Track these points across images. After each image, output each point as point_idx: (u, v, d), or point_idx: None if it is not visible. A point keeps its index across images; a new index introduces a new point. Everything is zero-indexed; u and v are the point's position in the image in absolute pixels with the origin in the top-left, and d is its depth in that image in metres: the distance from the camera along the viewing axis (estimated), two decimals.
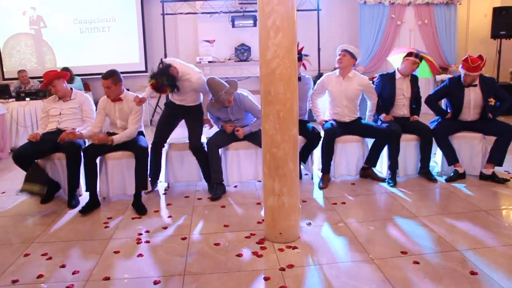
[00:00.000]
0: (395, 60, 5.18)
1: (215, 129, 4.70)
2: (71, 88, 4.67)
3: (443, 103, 5.08)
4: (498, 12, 8.20)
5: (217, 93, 4.21)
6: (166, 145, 4.67)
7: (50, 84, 4.48)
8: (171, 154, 4.66)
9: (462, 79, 4.69)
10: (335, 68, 4.78)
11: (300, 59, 4.62)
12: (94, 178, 4.19)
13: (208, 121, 4.68)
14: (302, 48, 4.64)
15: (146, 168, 4.28)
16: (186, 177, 4.73)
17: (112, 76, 4.26)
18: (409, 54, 4.77)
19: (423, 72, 5.11)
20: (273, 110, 3.08)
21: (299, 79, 4.68)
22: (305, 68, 4.79)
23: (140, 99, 4.39)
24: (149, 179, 4.53)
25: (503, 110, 4.79)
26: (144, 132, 4.64)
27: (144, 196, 4.34)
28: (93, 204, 4.18)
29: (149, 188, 4.51)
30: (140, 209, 4.08)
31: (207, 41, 8.44)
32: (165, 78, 4.07)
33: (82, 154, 4.21)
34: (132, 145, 4.28)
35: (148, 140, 4.50)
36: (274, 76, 3.03)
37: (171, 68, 4.15)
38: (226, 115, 4.52)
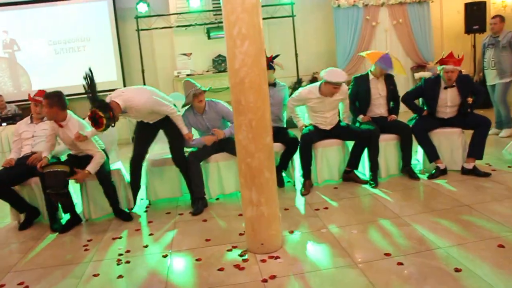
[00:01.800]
0: (369, 54, 5.15)
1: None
2: None
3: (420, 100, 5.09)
4: (470, 8, 8.28)
5: (187, 91, 4.28)
6: (145, 162, 4.59)
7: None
8: (151, 170, 4.60)
9: (445, 78, 4.64)
10: (313, 77, 4.75)
11: (270, 67, 4.61)
12: (69, 199, 4.14)
13: (189, 136, 4.47)
14: (271, 57, 4.62)
15: (112, 189, 4.23)
16: (167, 193, 4.67)
17: (48, 98, 3.98)
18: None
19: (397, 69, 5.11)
20: (245, 119, 3.03)
21: (274, 85, 4.66)
22: (282, 68, 4.78)
23: (78, 136, 4.03)
24: (131, 197, 4.52)
25: (478, 103, 4.81)
26: (107, 152, 4.50)
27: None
28: (74, 221, 4.15)
29: (131, 205, 4.48)
30: (124, 216, 4.19)
31: (184, 54, 8.39)
32: (102, 110, 3.79)
33: None
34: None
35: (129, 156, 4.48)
36: (243, 85, 2.99)
37: (111, 102, 3.97)
38: (203, 123, 4.47)
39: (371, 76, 4.80)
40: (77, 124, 4.13)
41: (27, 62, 8.51)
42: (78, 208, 4.45)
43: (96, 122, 3.80)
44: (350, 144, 4.75)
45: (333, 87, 4.45)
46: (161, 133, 4.49)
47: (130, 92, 4.18)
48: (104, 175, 4.18)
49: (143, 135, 4.49)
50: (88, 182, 4.28)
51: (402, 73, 4.92)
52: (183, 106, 4.48)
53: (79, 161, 4.22)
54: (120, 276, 3.11)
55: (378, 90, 4.79)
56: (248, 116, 3.03)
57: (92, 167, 4.08)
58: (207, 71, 8.42)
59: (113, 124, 3.90)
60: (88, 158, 4.16)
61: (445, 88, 4.66)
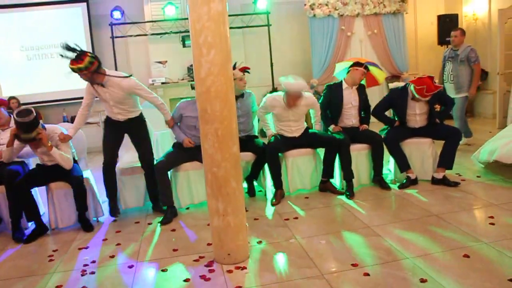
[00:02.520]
0: (341, 66, 5.21)
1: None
2: (10, 116, 4.48)
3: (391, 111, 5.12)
4: (442, 20, 8.43)
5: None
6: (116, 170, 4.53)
7: None
8: (121, 179, 4.54)
9: (412, 96, 4.67)
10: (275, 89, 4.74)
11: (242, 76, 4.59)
12: (33, 207, 4.07)
13: (171, 122, 4.47)
14: (243, 68, 4.60)
15: (84, 194, 4.16)
16: (136, 202, 4.63)
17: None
18: (357, 64, 4.79)
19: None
20: (211, 128, 3.00)
21: (242, 95, 4.61)
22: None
23: (63, 137, 4.10)
24: (108, 204, 4.49)
25: (447, 114, 4.88)
26: (77, 160, 4.49)
27: (95, 223, 4.31)
28: (39, 231, 4.08)
29: (99, 214, 4.43)
30: (86, 225, 4.15)
31: (159, 62, 8.34)
32: (92, 55, 3.98)
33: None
34: (66, 176, 4.16)
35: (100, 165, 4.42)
36: (209, 94, 2.96)
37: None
38: (192, 120, 4.38)
39: (344, 85, 4.82)
40: (51, 130, 4.12)
41: (0, 67, 8.32)
42: (45, 218, 4.36)
43: (79, 56, 3.88)
44: (322, 152, 4.74)
45: (294, 97, 4.44)
46: (128, 140, 4.45)
47: (119, 72, 4.27)
48: (78, 178, 4.13)
49: (113, 138, 4.40)
50: (54, 191, 4.19)
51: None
52: None
53: (48, 170, 4.20)
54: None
55: (350, 99, 4.81)
56: (214, 125, 3.00)
57: (57, 152, 4.02)
58: (182, 79, 8.37)
59: (85, 76, 3.95)
60: (57, 167, 4.12)
61: (413, 98, 4.70)
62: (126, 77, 4.13)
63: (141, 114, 4.43)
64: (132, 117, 4.34)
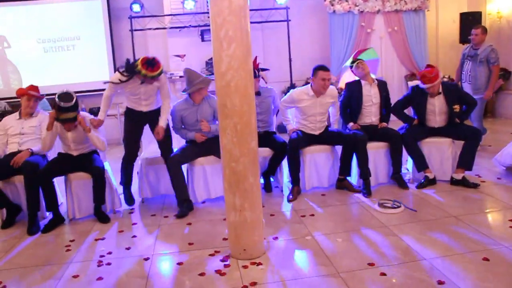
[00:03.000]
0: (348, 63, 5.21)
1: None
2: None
3: (411, 109, 5.06)
4: (465, 18, 8.27)
5: (193, 81, 4.26)
6: (139, 160, 4.61)
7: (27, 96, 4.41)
8: (146, 169, 4.60)
9: (427, 91, 4.64)
10: (306, 83, 4.73)
11: (256, 75, 4.57)
12: (53, 197, 4.12)
13: (162, 130, 4.43)
14: (258, 64, 4.59)
15: (103, 186, 4.20)
16: (162, 190, 4.70)
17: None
18: (353, 62, 4.82)
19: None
20: (230, 123, 2.99)
21: (258, 93, 4.59)
22: (266, 82, 4.75)
23: (97, 121, 4.31)
24: (122, 194, 4.57)
25: (469, 114, 4.79)
26: (98, 152, 4.53)
27: (112, 215, 4.33)
28: (56, 221, 4.13)
29: (118, 206, 4.47)
30: (102, 217, 4.18)
31: (178, 55, 8.35)
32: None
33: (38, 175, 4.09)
34: (88, 166, 4.22)
35: (119, 160, 4.46)
36: (229, 89, 2.95)
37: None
38: (193, 115, 4.40)
39: (363, 82, 4.77)
40: (83, 116, 4.25)
41: (18, 59, 8.41)
42: (63, 208, 4.41)
43: (153, 64, 4.01)
44: (340, 150, 4.71)
45: (322, 79, 4.46)
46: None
47: None
48: (99, 169, 4.18)
49: (132, 133, 4.50)
50: (73, 182, 4.23)
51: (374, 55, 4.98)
52: (184, 91, 4.42)
53: (71, 160, 4.28)
54: (100, 278, 3.06)
55: (371, 96, 4.75)
56: (233, 120, 2.99)
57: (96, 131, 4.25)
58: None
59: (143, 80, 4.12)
60: (79, 157, 4.27)
61: (431, 96, 4.64)
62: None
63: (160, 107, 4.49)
64: (155, 109, 4.43)
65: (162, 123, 4.36)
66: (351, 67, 4.91)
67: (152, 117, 4.43)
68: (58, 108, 3.95)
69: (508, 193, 4.31)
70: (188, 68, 4.39)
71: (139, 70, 4.00)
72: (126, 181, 4.61)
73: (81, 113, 4.25)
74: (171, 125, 4.56)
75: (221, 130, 3.07)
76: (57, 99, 3.94)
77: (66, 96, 3.97)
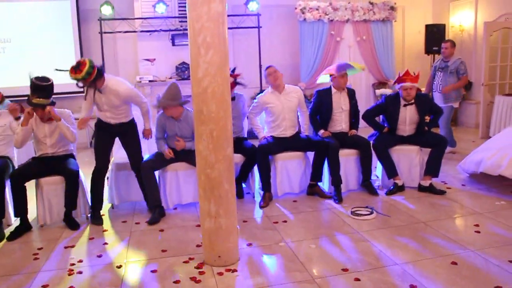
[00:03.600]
0: (323, 79, 5.26)
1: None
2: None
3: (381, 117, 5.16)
4: (430, 29, 8.53)
5: (162, 96, 4.22)
6: (110, 166, 4.53)
7: None
8: (116, 174, 4.53)
9: (402, 96, 4.76)
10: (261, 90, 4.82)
11: (237, 84, 4.65)
12: (23, 202, 3.99)
13: (149, 132, 4.49)
14: (238, 75, 4.64)
15: (76, 190, 4.12)
16: (131, 197, 4.62)
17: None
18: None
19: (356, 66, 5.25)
20: (206, 129, 2.99)
21: (233, 98, 4.62)
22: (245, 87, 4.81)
23: (81, 120, 4.21)
24: (89, 206, 4.37)
25: (436, 122, 4.95)
26: (75, 155, 4.43)
27: (81, 220, 4.25)
28: (23, 228, 3.99)
29: (89, 211, 4.37)
30: (71, 224, 4.06)
31: (148, 59, 8.25)
32: (91, 63, 3.94)
33: (6, 178, 3.99)
34: (62, 169, 4.12)
35: (88, 164, 4.32)
36: (206, 95, 2.95)
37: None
38: (173, 128, 4.37)
39: (333, 90, 4.84)
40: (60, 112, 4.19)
41: None
42: (33, 214, 4.28)
43: (78, 66, 3.88)
44: (311, 156, 4.76)
45: (269, 74, 4.69)
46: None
47: (117, 78, 4.29)
48: (74, 172, 4.10)
49: (106, 144, 4.38)
50: (44, 186, 4.12)
51: (361, 68, 5.15)
52: (158, 106, 4.33)
53: (44, 163, 4.18)
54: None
55: (340, 104, 4.82)
56: (209, 126, 2.98)
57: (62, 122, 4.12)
58: (170, 78, 8.29)
59: (82, 84, 3.99)
60: (53, 159, 4.17)
61: (405, 105, 4.76)
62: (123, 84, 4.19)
63: (132, 119, 4.44)
64: (124, 122, 4.33)
65: (147, 125, 4.42)
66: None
67: (122, 130, 4.34)
68: (33, 87, 3.90)
69: (472, 199, 4.46)
70: (174, 83, 4.28)
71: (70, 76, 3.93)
72: (95, 200, 4.31)
73: (63, 110, 4.24)
74: (140, 135, 4.49)
75: (197, 137, 3.06)
76: (33, 79, 3.92)
77: (42, 77, 3.97)
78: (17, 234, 3.94)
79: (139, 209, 4.56)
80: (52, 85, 4.01)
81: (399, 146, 4.83)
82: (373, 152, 4.74)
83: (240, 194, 4.73)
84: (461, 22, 8.79)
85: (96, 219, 4.24)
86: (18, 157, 4.63)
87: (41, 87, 3.91)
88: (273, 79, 4.68)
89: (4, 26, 8.09)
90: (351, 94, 4.91)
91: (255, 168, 4.68)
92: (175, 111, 4.27)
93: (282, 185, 4.71)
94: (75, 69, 3.88)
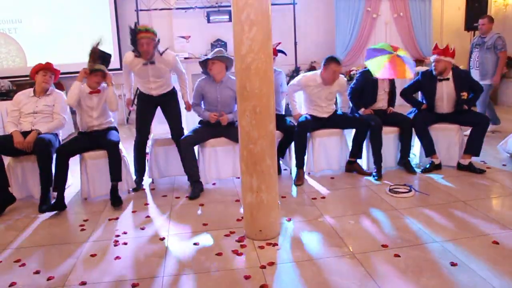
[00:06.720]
0: (373, 65, 4.68)
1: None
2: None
3: (419, 95, 5.10)
4: (470, 5, 8.28)
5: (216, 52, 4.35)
6: (149, 142, 4.66)
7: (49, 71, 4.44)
8: (156, 150, 4.64)
9: (433, 67, 4.70)
10: (311, 66, 4.76)
11: (278, 51, 4.65)
12: (63, 179, 4.09)
13: (189, 104, 4.57)
14: (279, 43, 4.63)
15: (119, 161, 4.20)
16: (171, 172, 4.72)
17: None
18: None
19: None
20: (249, 105, 3.02)
21: None
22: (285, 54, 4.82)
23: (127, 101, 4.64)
24: (134, 177, 4.56)
25: (476, 100, 4.86)
26: (117, 128, 4.58)
27: (124, 195, 4.33)
28: (59, 206, 4.02)
29: (133, 185, 4.52)
30: (115, 200, 4.10)
31: (183, 37, 8.33)
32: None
33: (54, 152, 4.11)
34: (103, 141, 4.22)
35: (125, 140, 4.43)
36: (249, 71, 2.98)
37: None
38: (214, 94, 4.41)
39: None
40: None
41: (23, 38, 8.35)
42: (77, 187, 4.45)
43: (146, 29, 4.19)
44: (349, 135, 4.76)
45: (333, 71, 4.48)
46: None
47: None
48: (115, 143, 4.20)
49: (147, 117, 4.53)
50: (88, 161, 4.24)
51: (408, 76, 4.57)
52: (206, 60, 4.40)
53: (89, 137, 4.34)
54: (118, 257, 3.10)
55: (383, 86, 4.81)
56: (252, 102, 3.02)
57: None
58: (205, 55, 8.33)
59: (151, 45, 4.17)
60: (97, 134, 4.32)
61: (440, 80, 4.68)
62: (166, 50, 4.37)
63: (173, 88, 4.54)
64: (165, 92, 4.44)
65: (186, 98, 4.56)
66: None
67: (163, 100, 4.47)
68: (99, 55, 4.20)
69: None
70: (221, 48, 4.48)
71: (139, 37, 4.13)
72: (139, 168, 4.59)
73: (58, 91, 4.48)
74: (182, 105, 4.59)
75: (240, 112, 3.10)
76: (99, 49, 4.22)
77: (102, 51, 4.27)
78: (50, 209, 4.00)
79: (178, 184, 4.67)
80: (110, 55, 4.34)
81: (438, 124, 4.77)
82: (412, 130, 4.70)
83: (278, 170, 4.78)
84: None
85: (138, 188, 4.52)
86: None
87: (105, 56, 4.24)
88: (331, 76, 4.53)
89: (46, 5, 8.26)
90: None
91: (292, 145, 4.71)
92: (220, 70, 4.35)
93: (319, 162, 4.72)
94: (148, 29, 4.15)
